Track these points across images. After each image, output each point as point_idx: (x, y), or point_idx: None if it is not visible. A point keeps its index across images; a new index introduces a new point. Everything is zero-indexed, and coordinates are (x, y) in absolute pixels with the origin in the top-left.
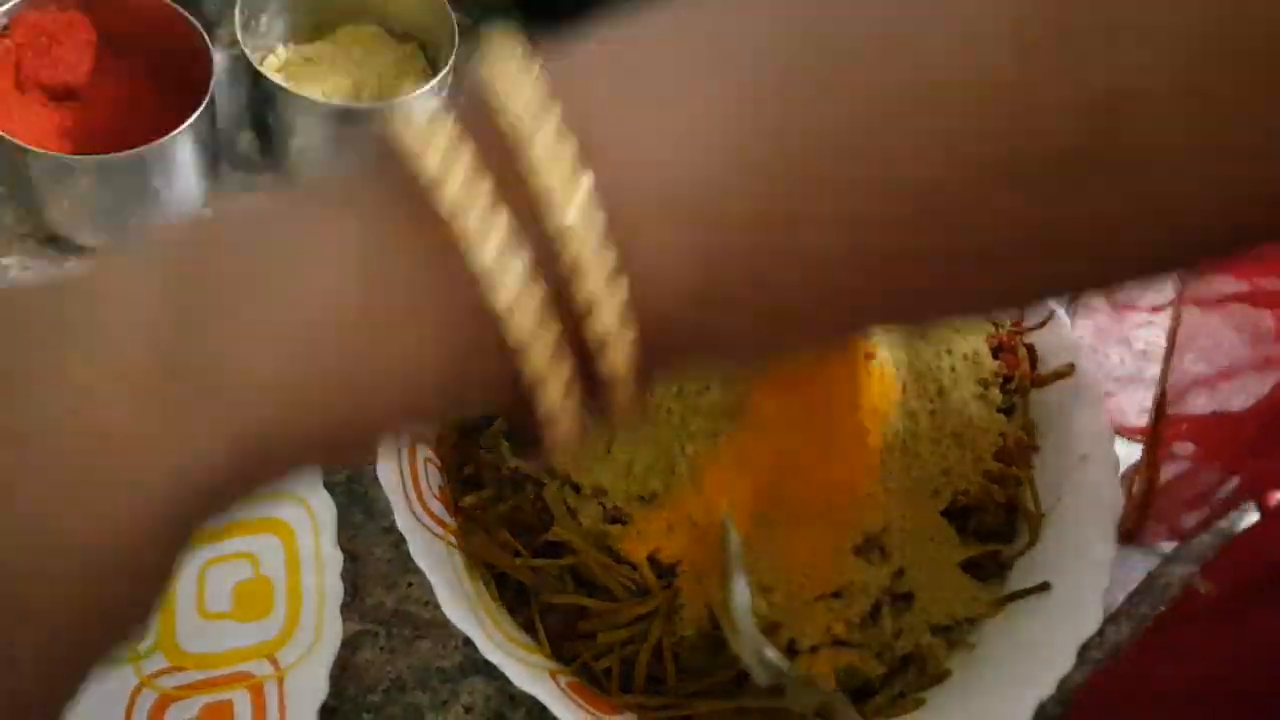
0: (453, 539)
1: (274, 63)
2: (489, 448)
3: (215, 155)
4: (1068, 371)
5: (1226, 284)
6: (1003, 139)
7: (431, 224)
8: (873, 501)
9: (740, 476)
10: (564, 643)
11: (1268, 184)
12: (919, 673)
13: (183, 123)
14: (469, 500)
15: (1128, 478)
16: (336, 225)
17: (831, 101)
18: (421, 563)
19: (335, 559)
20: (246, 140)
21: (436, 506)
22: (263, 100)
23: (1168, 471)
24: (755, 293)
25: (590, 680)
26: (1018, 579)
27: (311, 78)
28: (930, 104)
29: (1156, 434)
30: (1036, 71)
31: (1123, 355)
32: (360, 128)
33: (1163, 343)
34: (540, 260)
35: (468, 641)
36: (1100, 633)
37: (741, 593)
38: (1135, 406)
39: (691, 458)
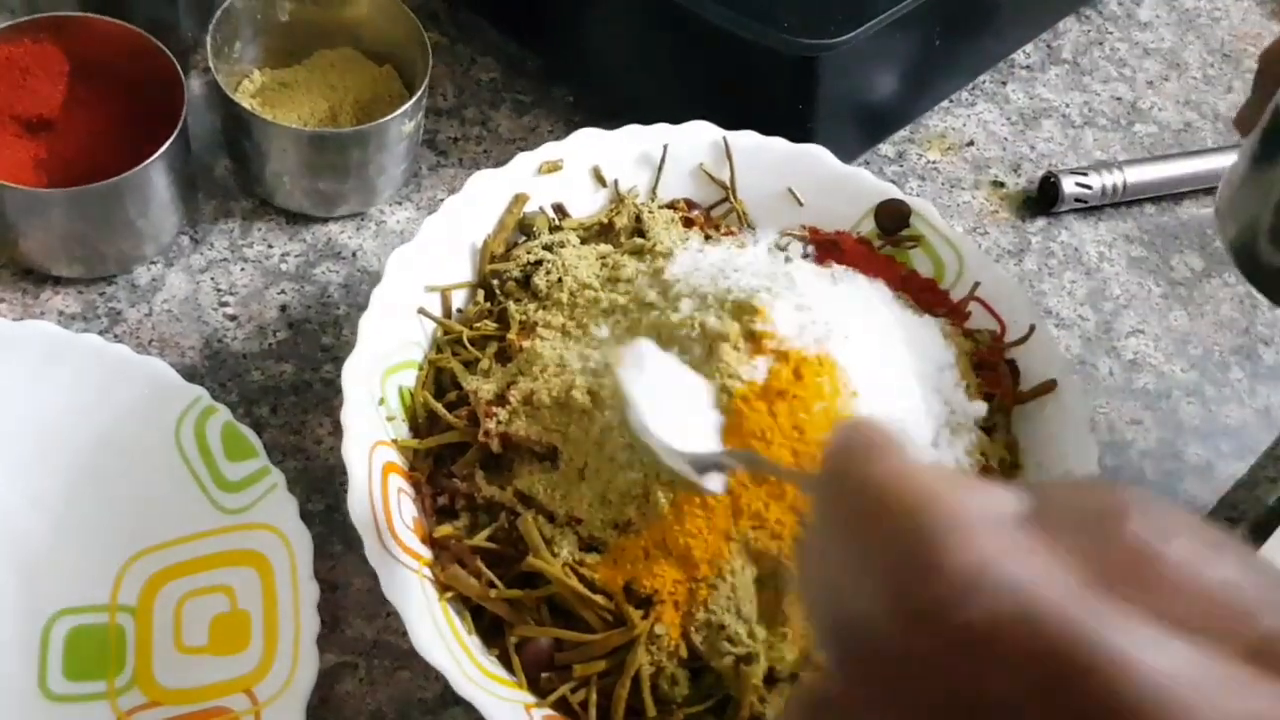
0: (426, 571)
1: (249, 88)
2: (464, 476)
3: (190, 183)
4: (1050, 387)
5: None
6: None
7: None
8: None
9: (718, 502)
10: (541, 675)
11: None
12: None
13: (157, 150)
14: (443, 531)
15: None
16: None
17: None
18: (394, 597)
19: (311, 591)
20: (222, 167)
21: (409, 538)
22: (237, 126)
23: None
24: None
25: (568, 713)
26: None
27: (287, 102)
28: None
29: None
30: None
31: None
32: (334, 152)
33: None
34: None
35: None
36: None
37: (638, 419)
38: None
39: (667, 484)
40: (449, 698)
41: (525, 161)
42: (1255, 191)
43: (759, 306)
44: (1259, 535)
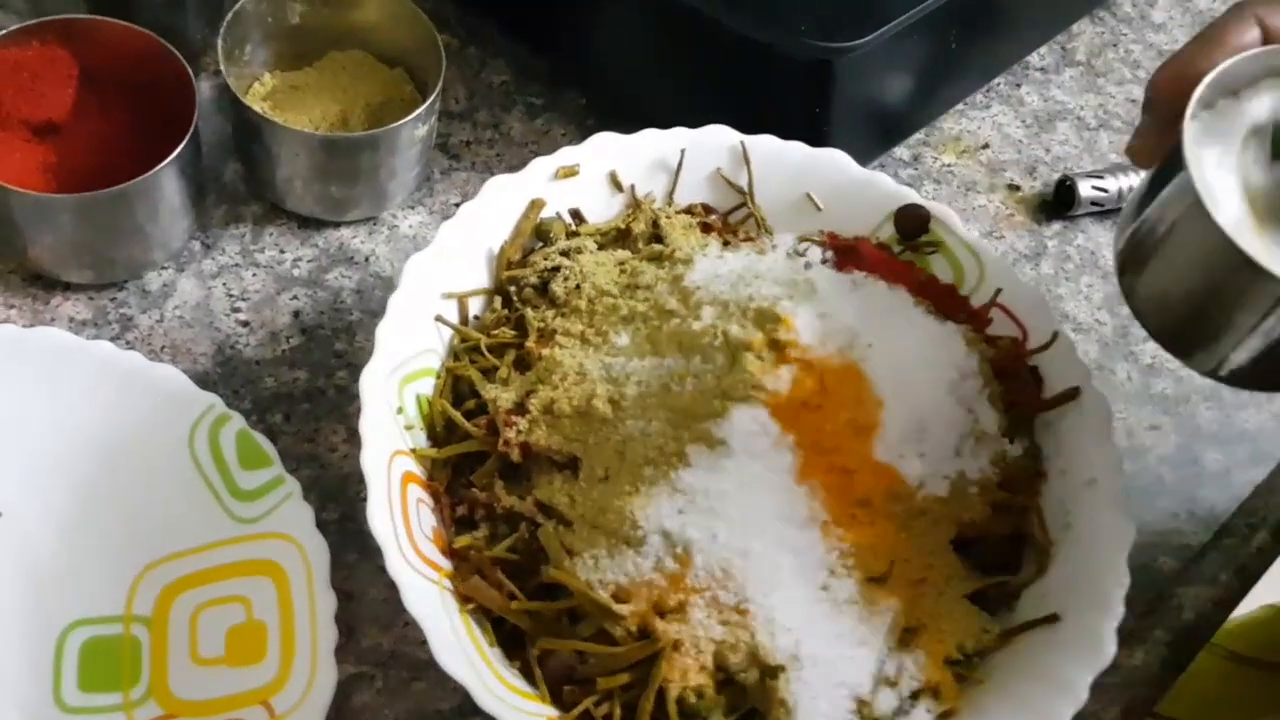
0: (447, 583)
1: (260, 91)
2: (483, 486)
3: (200, 187)
4: (1073, 394)
5: None
6: None
7: None
8: (878, 535)
9: None
10: (564, 688)
11: None
12: (927, 711)
13: (168, 154)
14: (463, 542)
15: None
16: None
17: None
18: (414, 610)
19: (329, 601)
20: (232, 171)
21: (429, 550)
22: (248, 130)
23: None
24: None
25: None
26: (1027, 609)
27: (299, 105)
28: None
29: None
30: None
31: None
32: (346, 157)
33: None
34: None
35: None
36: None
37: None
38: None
39: None
40: (467, 709)
41: (541, 167)
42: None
43: (782, 315)
44: (1279, 541)
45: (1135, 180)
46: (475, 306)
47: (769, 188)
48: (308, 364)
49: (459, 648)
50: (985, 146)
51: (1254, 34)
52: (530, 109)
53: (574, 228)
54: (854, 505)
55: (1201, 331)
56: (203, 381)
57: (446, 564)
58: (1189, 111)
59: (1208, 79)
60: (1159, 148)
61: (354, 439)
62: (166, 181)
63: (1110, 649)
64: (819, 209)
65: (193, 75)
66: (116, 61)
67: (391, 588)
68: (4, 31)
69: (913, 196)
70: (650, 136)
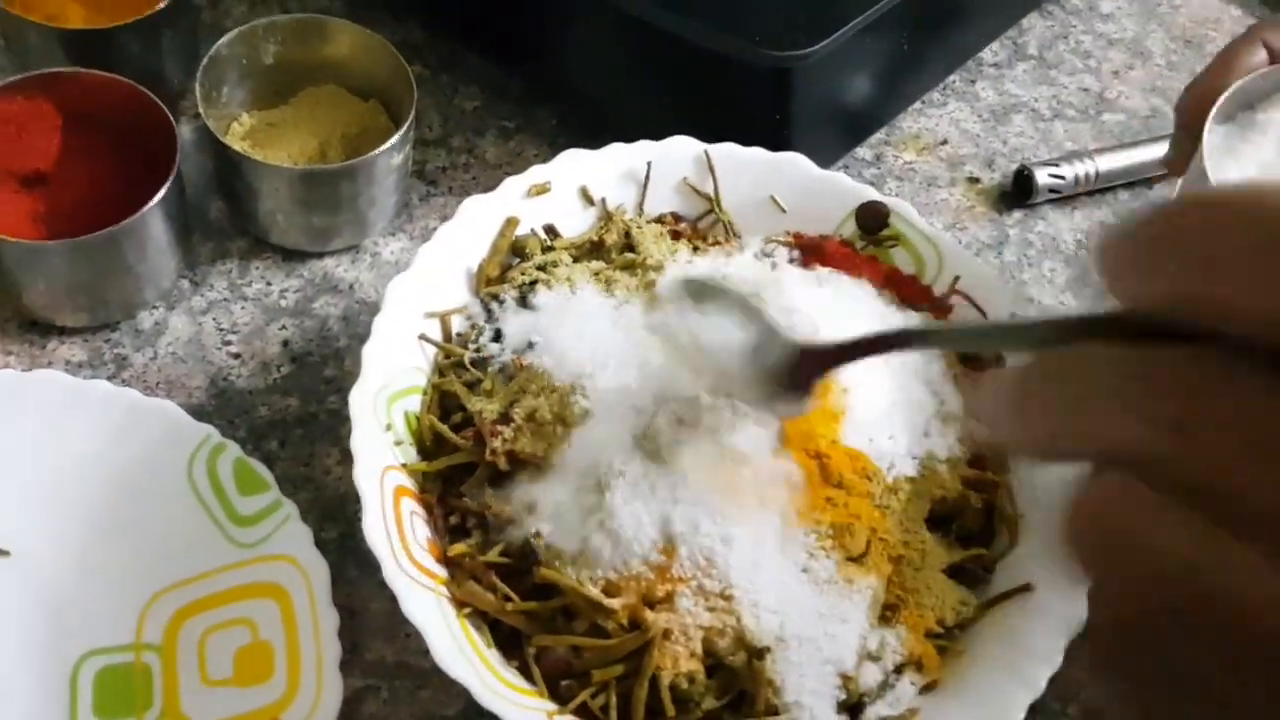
0: (443, 590)
1: (239, 130)
2: (473, 495)
3: (186, 226)
4: None
5: None
6: None
7: None
8: (854, 515)
9: None
10: (561, 683)
11: None
12: (911, 683)
13: (153, 196)
14: (457, 549)
15: None
16: None
17: None
18: (413, 617)
19: (331, 618)
20: (215, 209)
21: (425, 558)
22: (229, 168)
23: None
24: None
25: (589, 718)
26: (1002, 581)
27: (277, 141)
28: None
29: None
30: None
31: None
32: (325, 188)
33: None
34: None
35: None
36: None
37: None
38: None
39: None
40: (471, 712)
41: (514, 185)
42: None
43: None
44: None
45: (1091, 167)
46: (457, 324)
47: (734, 193)
48: (299, 391)
49: (458, 651)
50: (944, 142)
51: (1261, 55)
52: (503, 132)
53: (549, 242)
54: (829, 488)
55: None
56: (198, 413)
57: (442, 571)
58: (1207, 125)
59: (1223, 96)
60: (1188, 158)
61: (348, 460)
62: (153, 222)
63: (1081, 613)
64: (783, 210)
65: (173, 119)
66: (99, 110)
67: (392, 601)
68: None
69: (871, 193)
70: (617, 150)
